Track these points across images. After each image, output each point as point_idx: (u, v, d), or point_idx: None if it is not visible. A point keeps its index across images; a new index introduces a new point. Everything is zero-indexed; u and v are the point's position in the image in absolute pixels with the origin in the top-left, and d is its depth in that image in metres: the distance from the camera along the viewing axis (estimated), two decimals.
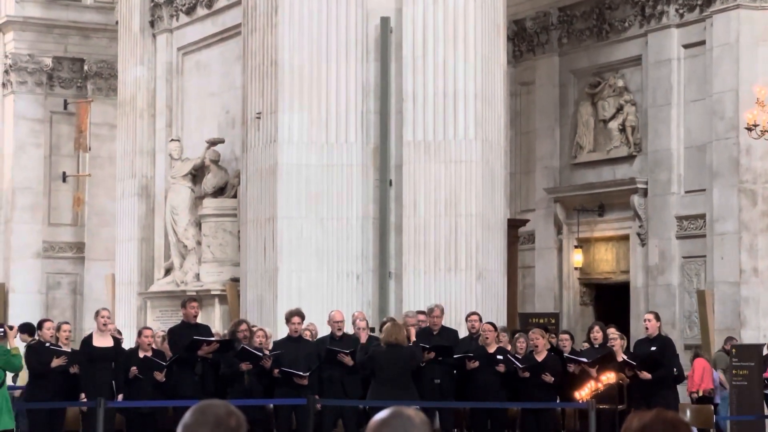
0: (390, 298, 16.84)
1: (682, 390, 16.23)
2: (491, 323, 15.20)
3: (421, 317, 15.50)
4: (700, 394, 18.19)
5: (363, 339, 14.70)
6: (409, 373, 13.92)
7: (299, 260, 16.93)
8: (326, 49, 17.16)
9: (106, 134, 26.26)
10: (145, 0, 22.15)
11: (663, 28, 21.36)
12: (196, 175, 20.63)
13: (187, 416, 3.59)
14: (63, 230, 26.95)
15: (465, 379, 14.82)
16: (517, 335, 15.74)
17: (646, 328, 14.83)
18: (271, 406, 14.76)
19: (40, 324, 14.93)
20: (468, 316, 15.50)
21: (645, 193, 21.63)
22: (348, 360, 14.27)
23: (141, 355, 14.45)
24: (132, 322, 20.83)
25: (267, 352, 14.43)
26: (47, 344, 14.45)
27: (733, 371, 17.64)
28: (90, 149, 26.45)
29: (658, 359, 14.36)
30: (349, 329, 15.11)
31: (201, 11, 21.06)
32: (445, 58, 16.84)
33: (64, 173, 26.78)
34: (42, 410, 14.35)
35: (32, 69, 26.67)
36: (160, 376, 14.23)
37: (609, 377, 14.09)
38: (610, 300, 22.62)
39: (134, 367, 14.23)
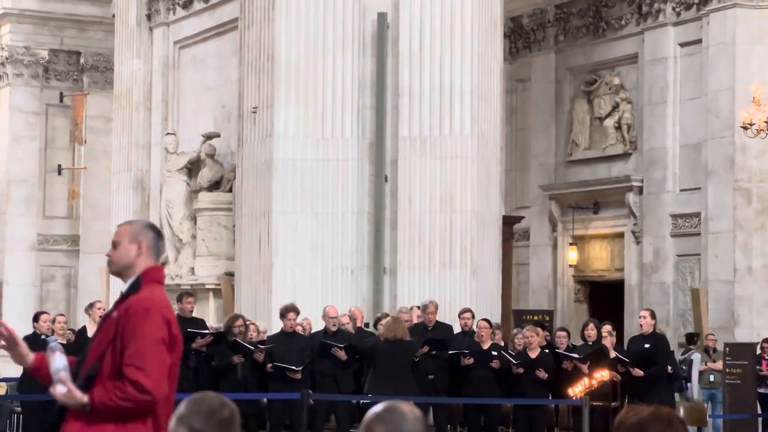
0: (384, 294, 16.82)
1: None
2: (486, 320, 15.18)
3: (417, 312, 15.52)
4: None
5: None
6: (408, 369, 13.90)
7: (294, 255, 16.91)
8: (323, 44, 17.14)
9: (102, 127, 26.25)
10: None
11: (659, 26, 21.38)
12: (192, 168, 20.61)
13: (181, 407, 3.61)
14: (58, 223, 26.94)
15: (459, 376, 14.82)
16: (514, 332, 15.74)
17: (641, 325, 14.81)
18: (265, 400, 14.77)
19: (36, 316, 14.96)
20: (461, 313, 15.45)
21: (640, 190, 21.64)
22: (342, 354, 14.27)
23: None
24: None
25: (260, 346, 14.43)
26: (43, 336, 14.45)
27: (727, 370, 17.66)
28: (85, 142, 26.45)
29: (650, 357, 14.36)
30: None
31: (198, 5, 21.04)
32: (442, 54, 16.83)
33: (59, 166, 26.77)
34: (35, 402, 14.34)
35: (28, 61, 26.65)
36: None
37: (602, 374, 14.10)
38: (604, 297, 22.62)
39: None
